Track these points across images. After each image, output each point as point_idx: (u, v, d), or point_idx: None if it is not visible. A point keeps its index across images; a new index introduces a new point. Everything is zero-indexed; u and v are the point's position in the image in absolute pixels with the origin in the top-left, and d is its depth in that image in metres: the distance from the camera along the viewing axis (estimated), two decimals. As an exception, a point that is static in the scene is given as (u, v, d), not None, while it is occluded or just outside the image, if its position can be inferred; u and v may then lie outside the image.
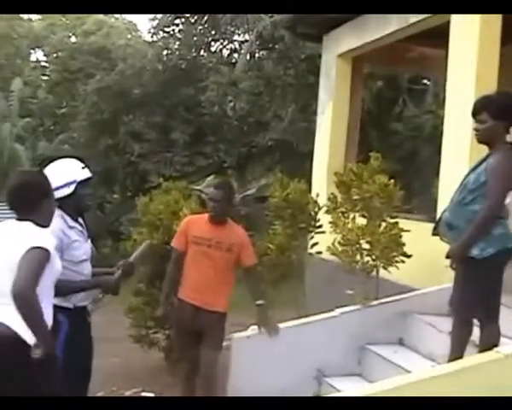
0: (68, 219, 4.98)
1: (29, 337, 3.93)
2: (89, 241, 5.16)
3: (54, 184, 4.78)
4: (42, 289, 3.97)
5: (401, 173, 16.74)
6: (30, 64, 28.19)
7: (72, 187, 5.06)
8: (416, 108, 18.07)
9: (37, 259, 3.91)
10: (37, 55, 29.54)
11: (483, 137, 4.80)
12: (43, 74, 28.14)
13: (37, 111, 25.11)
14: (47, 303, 4.09)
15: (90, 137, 20.46)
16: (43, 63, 29.13)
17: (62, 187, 5.04)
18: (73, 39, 26.92)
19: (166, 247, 7.07)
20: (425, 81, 18.22)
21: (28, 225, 4.11)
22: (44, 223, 4.21)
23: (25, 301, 3.80)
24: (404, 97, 18.26)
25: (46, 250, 3.97)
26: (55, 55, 27.61)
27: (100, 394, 7.65)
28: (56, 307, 4.44)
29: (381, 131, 17.93)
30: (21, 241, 3.98)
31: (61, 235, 4.81)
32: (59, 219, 4.85)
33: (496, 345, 4.66)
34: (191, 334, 6.20)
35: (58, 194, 4.87)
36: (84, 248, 5.02)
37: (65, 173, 5.11)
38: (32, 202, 4.21)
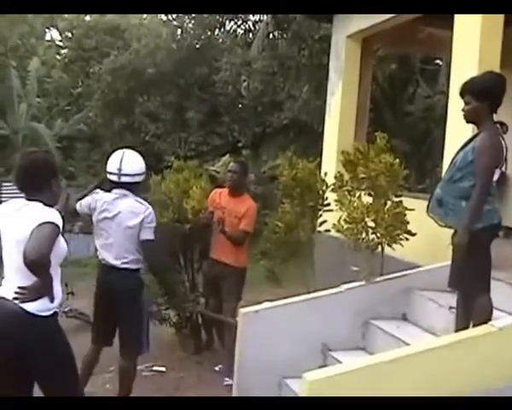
0: None
1: (36, 311, 4.13)
2: None
3: (142, 170, 6.22)
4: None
5: (414, 153, 16.84)
6: (45, 43, 28.15)
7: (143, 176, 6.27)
8: (429, 89, 18.07)
9: (49, 232, 4.04)
10: (52, 33, 29.49)
11: (468, 118, 5.03)
12: (58, 53, 28.13)
13: (52, 91, 25.19)
14: (54, 283, 4.24)
15: (105, 117, 20.55)
16: (57, 42, 29.09)
17: (144, 173, 6.28)
18: (88, 18, 26.91)
19: (176, 225, 7.24)
20: (437, 61, 18.18)
21: (36, 205, 4.24)
22: (52, 202, 4.35)
23: (39, 266, 3.97)
24: (417, 78, 18.26)
25: (57, 226, 4.12)
26: (69, 33, 27.65)
27: (112, 368, 7.84)
28: None
29: (395, 112, 17.96)
30: (30, 218, 4.11)
31: None
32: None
33: (489, 317, 4.82)
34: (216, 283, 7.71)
35: (139, 178, 6.19)
36: None
37: (143, 163, 6.29)
38: (41, 181, 4.33)
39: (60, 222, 4.17)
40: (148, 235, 6.08)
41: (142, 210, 6.06)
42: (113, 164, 6.12)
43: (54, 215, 4.17)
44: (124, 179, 6.08)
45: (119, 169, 6.06)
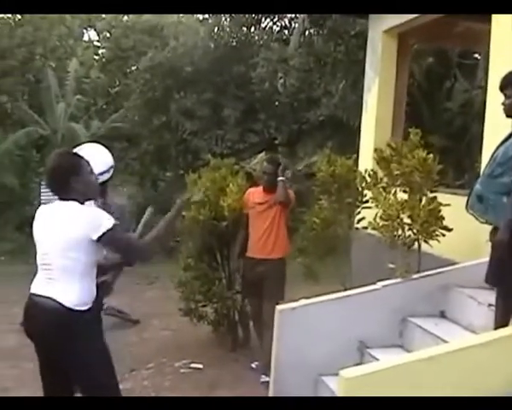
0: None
1: (73, 305, 4.18)
2: None
3: (106, 166, 5.32)
4: (85, 266, 4.25)
5: (452, 149, 16.65)
6: (83, 44, 28.35)
7: (111, 171, 5.45)
8: (467, 83, 17.86)
9: (118, 232, 4.28)
10: (90, 34, 29.69)
11: (509, 112, 4.92)
12: (96, 54, 28.36)
13: (90, 90, 25.38)
14: (90, 280, 4.33)
15: (142, 116, 20.61)
16: (95, 43, 29.31)
17: (110, 169, 5.45)
18: (125, 18, 27.08)
19: (213, 222, 7.24)
20: (476, 56, 17.97)
21: (73, 205, 4.29)
22: (83, 198, 4.39)
23: (146, 255, 4.43)
24: (455, 72, 18.07)
25: (114, 225, 4.23)
26: (107, 33, 27.86)
27: (150, 365, 7.91)
28: None
29: (432, 107, 17.79)
30: (76, 221, 4.19)
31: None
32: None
33: None
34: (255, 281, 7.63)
35: (105, 177, 5.35)
36: None
37: (109, 157, 5.47)
38: (59, 182, 4.36)
39: (112, 219, 4.27)
40: None
41: None
42: None
43: (105, 217, 4.25)
44: None
45: None
